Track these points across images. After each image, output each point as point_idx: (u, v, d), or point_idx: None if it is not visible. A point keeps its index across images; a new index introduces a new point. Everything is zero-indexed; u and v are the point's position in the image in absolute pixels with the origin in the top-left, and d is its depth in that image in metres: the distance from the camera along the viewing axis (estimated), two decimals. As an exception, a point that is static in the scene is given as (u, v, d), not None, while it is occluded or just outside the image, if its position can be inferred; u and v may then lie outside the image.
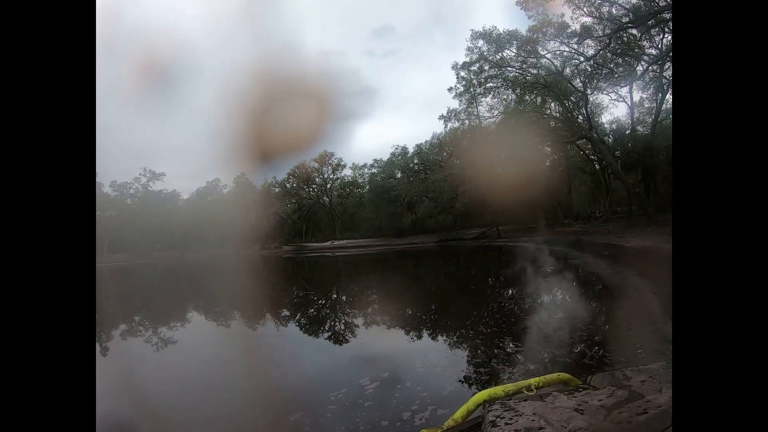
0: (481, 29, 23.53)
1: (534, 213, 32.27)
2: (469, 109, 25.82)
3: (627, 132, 26.92)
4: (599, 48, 21.49)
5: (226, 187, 44.09)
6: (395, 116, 59.05)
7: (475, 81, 24.82)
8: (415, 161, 40.64)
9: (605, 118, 28.56)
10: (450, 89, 25.70)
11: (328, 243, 40.17)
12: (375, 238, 38.05)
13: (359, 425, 3.45)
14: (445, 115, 26.50)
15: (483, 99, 25.49)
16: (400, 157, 41.13)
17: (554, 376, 1.82)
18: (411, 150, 40.91)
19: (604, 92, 25.79)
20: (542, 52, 23.22)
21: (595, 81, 23.93)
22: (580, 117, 24.61)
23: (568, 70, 23.77)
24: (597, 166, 30.14)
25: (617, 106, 26.95)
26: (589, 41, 21.69)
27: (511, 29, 23.16)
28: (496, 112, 25.41)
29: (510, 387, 1.86)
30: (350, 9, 55.90)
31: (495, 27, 23.43)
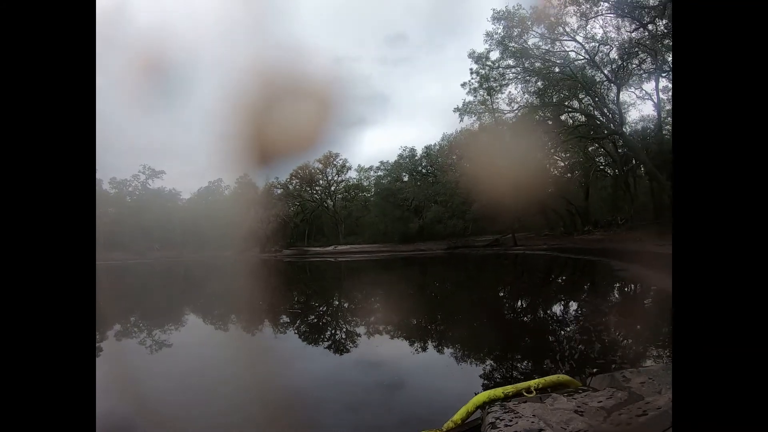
0: (503, 9, 22.30)
1: (549, 219, 31.83)
2: (486, 103, 24.85)
3: (652, 133, 26.03)
4: (636, 26, 20.31)
5: (228, 188, 44.62)
6: (405, 124, 59.91)
7: (494, 74, 23.89)
8: (424, 163, 40.43)
9: (630, 117, 27.21)
10: (464, 84, 24.99)
11: (330, 248, 40.14)
12: (380, 243, 37.86)
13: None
14: (460, 107, 25.47)
15: (500, 94, 24.54)
16: (407, 160, 40.97)
17: (554, 377, 1.86)
18: (419, 152, 40.80)
19: (630, 89, 24.72)
20: (571, 35, 22.07)
21: (623, 73, 22.68)
22: (608, 112, 23.55)
23: (597, 58, 22.62)
24: (616, 171, 29.26)
25: (645, 102, 25.74)
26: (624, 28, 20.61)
27: (538, 5, 21.74)
28: (516, 106, 24.43)
29: (509, 389, 1.92)
30: (364, 16, 57.06)
31: (520, 5, 22.08)
